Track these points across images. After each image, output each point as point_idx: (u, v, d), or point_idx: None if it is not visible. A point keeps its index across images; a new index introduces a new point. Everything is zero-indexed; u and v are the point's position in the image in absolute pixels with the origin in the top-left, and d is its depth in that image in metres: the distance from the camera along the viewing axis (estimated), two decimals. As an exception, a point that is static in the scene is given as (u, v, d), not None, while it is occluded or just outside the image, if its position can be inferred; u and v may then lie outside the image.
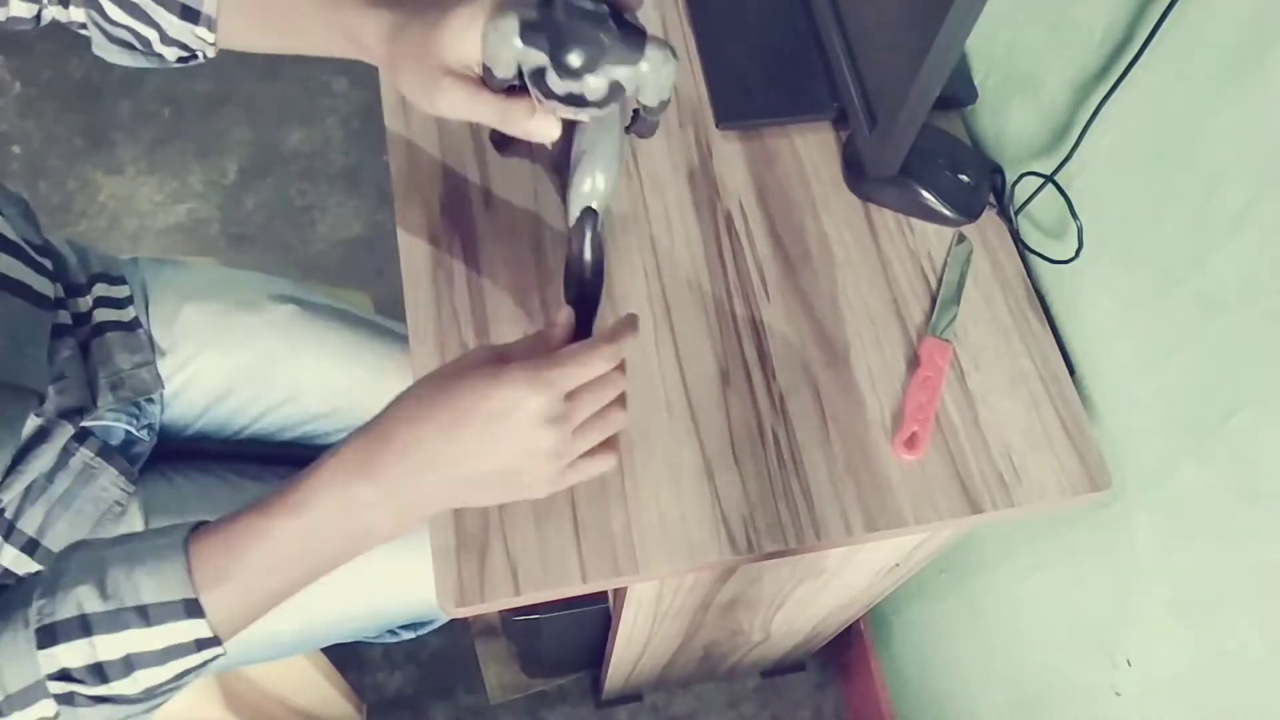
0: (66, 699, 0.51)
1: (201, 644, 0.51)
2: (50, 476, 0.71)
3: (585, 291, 0.62)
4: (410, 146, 0.78)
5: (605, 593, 0.98)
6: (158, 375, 0.80)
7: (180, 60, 0.67)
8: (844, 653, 1.39)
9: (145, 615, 0.50)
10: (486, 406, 0.49)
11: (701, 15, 0.87)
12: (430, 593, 0.63)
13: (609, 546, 0.64)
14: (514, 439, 0.50)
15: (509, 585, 0.63)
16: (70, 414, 0.72)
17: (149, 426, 0.80)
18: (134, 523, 0.77)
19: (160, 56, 0.67)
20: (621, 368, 0.54)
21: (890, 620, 1.25)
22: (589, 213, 0.59)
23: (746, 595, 0.89)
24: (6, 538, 0.69)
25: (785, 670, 1.41)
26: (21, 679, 0.50)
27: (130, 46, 0.66)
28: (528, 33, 0.51)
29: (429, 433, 0.50)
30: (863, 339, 0.74)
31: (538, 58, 0.52)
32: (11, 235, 0.69)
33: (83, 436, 0.73)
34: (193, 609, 0.50)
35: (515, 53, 0.52)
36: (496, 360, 0.52)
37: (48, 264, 0.72)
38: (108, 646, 0.50)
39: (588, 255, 0.61)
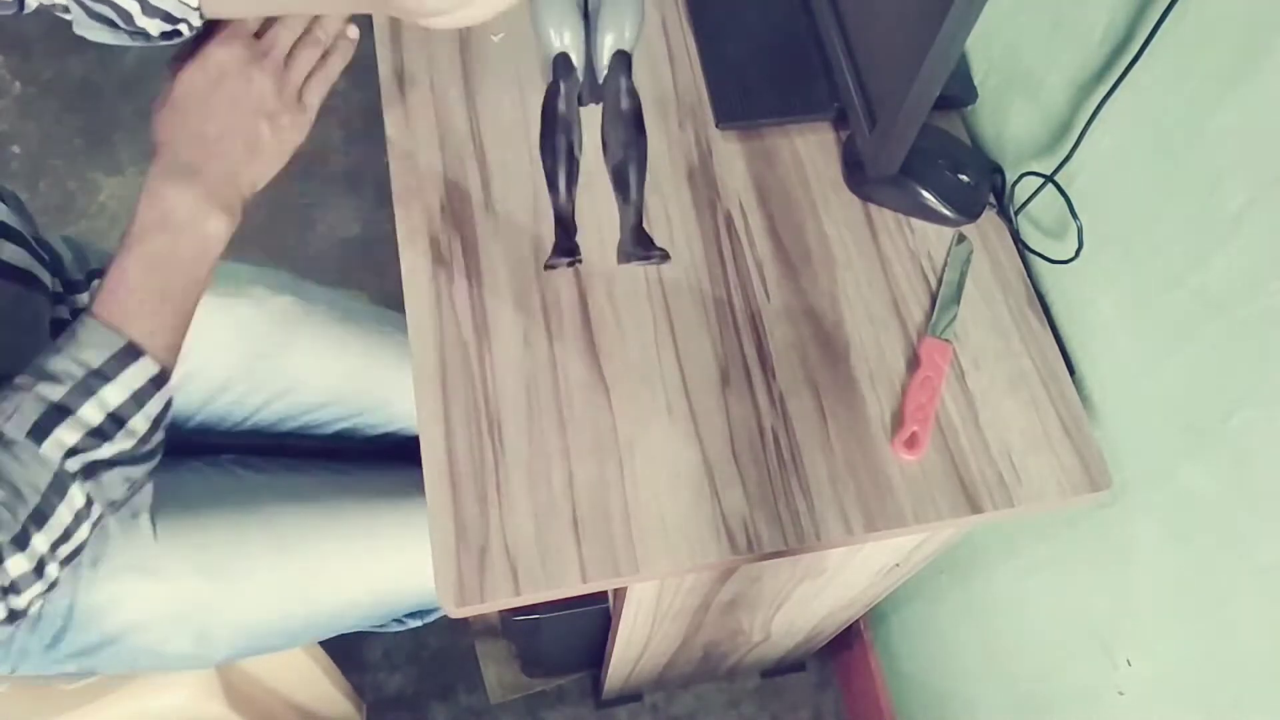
0: (89, 471, 0.56)
1: (156, 380, 0.58)
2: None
3: (632, 145, 0.61)
4: (410, 147, 0.78)
5: (605, 593, 0.98)
6: (158, 372, 0.80)
7: (164, 36, 0.66)
8: (844, 653, 1.39)
9: (102, 375, 0.56)
10: (207, 76, 0.61)
11: (701, 15, 0.87)
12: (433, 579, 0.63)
13: (609, 546, 0.64)
14: (240, 84, 0.62)
15: (509, 585, 0.63)
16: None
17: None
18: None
19: (144, 32, 0.66)
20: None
21: (890, 620, 1.25)
22: (622, 56, 0.59)
23: (746, 595, 0.89)
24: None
25: (785, 670, 1.41)
26: (40, 478, 0.55)
27: (111, 23, 0.66)
28: None
29: (187, 127, 0.61)
30: (863, 339, 0.74)
31: None
32: (14, 224, 0.69)
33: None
34: (133, 350, 0.57)
35: None
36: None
37: (45, 256, 0.72)
38: (91, 412, 0.56)
39: (625, 104, 0.60)
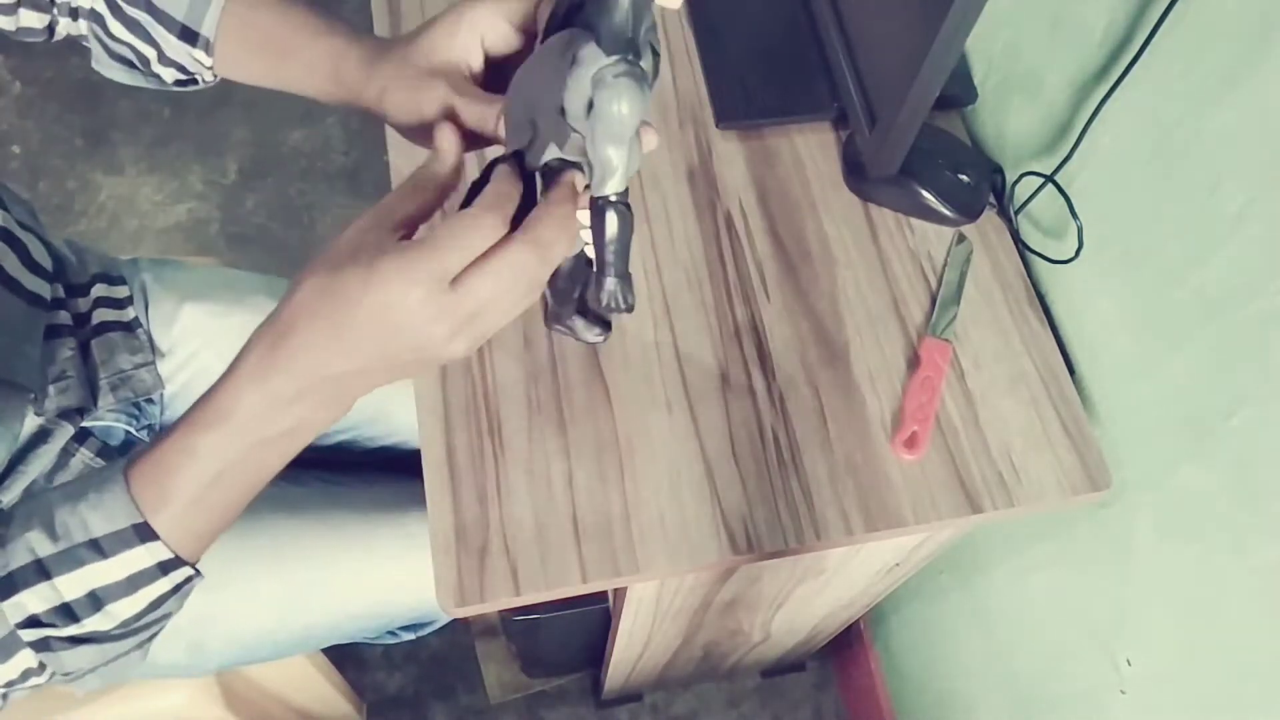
0: (43, 644, 0.50)
1: (165, 566, 0.51)
2: (50, 477, 0.71)
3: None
4: (410, 146, 0.78)
5: (605, 593, 0.98)
6: (158, 376, 0.80)
7: (178, 84, 0.67)
8: (844, 653, 1.39)
9: (99, 548, 0.50)
10: (369, 301, 0.47)
11: (701, 15, 0.87)
12: (431, 593, 0.63)
13: (609, 546, 0.64)
14: (405, 330, 0.48)
15: (509, 585, 0.63)
16: (70, 414, 0.72)
17: (149, 427, 0.80)
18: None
19: (158, 77, 0.66)
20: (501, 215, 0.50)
21: (890, 620, 1.25)
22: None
23: (746, 595, 0.89)
24: (6, 538, 0.69)
25: (785, 670, 1.41)
26: None
27: (130, 64, 0.66)
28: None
29: (323, 329, 0.48)
30: (863, 339, 0.74)
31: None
32: (16, 232, 0.69)
33: (82, 437, 0.73)
34: (144, 532, 0.50)
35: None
36: (379, 236, 0.48)
37: (47, 265, 0.72)
38: (69, 585, 0.50)
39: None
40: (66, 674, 0.52)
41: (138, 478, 0.51)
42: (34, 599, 0.50)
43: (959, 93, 0.84)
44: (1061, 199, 0.71)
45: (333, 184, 1.76)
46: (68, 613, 0.50)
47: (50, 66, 1.83)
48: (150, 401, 0.80)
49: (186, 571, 0.52)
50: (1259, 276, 0.56)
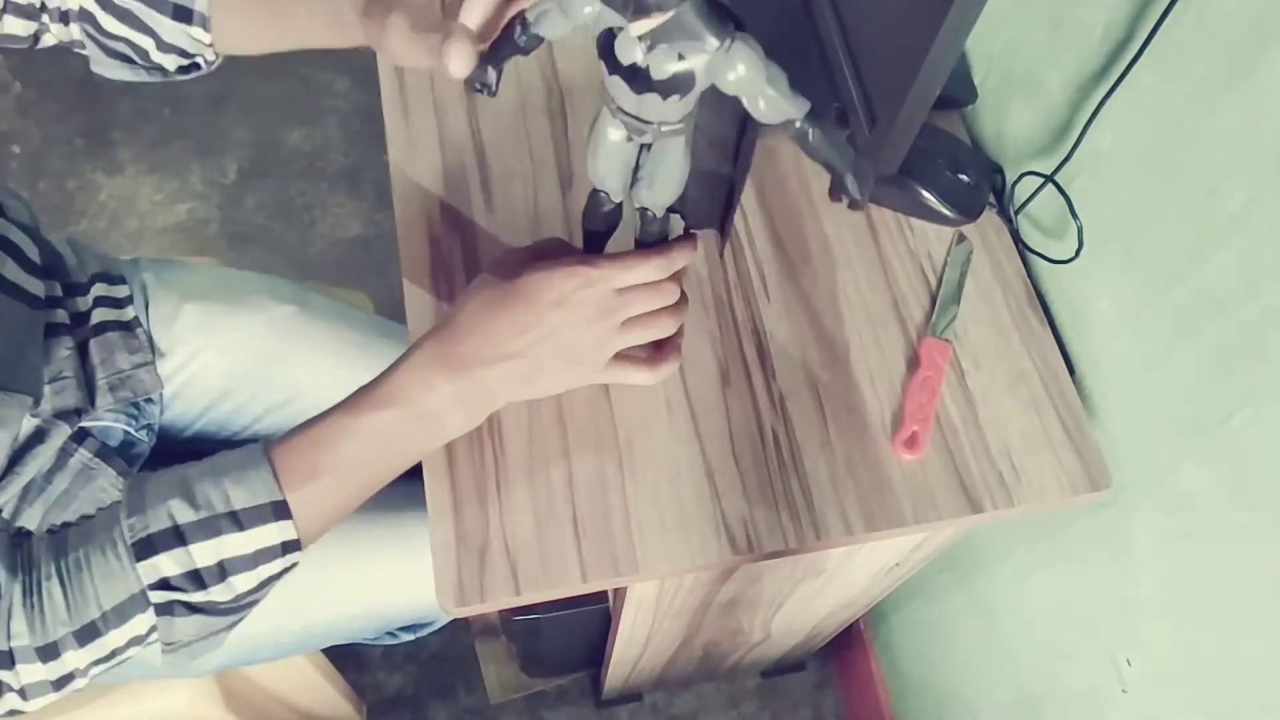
0: (166, 609, 0.53)
1: (286, 547, 0.55)
2: (48, 477, 0.71)
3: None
4: (410, 146, 0.78)
5: (605, 593, 0.98)
6: (157, 376, 0.80)
7: (181, 70, 0.67)
8: (844, 652, 1.39)
9: (237, 520, 0.53)
10: (547, 296, 0.54)
11: (701, 15, 0.86)
12: (430, 594, 0.63)
13: (609, 546, 0.64)
14: (569, 324, 0.55)
15: (509, 585, 0.63)
16: (68, 414, 0.71)
17: (148, 427, 0.80)
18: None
19: (160, 67, 0.66)
20: (677, 280, 0.58)
21: (890, 620, 1.25)
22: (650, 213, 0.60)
23: (746, 595, 0.89)
24: (5, 538, 0.69)
25: (785, 670, 1.41)
26: (117, 594, 0.52)
27: (128, 59, 0.66)
28: None
29: (499, 327, 0.55)
30: (863, 339, 0.74)
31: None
32: (12, 236, 0.69)
33: (81, 437, 0.73)
34: (280, 510, 0.54)
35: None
36: (547, 256, 0.56)
37: (38, 261, 0.72)
38: (203, 553, 0.53)
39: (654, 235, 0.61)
40: (169, 643, 0.55)
41: (286, 455, 0.55)
42: (169, 561, 0.52)
43: (959, 93, 0.84)
44: (1061, 199, 0.71)
45: (333, 184, 1.76)
46: (197, 579, 0.53)
47: (50, 66, 1.83)
48: (150, 401, 0.80)
49: (297, 556, 0.56)
50: (1259, 276, 0.56)
